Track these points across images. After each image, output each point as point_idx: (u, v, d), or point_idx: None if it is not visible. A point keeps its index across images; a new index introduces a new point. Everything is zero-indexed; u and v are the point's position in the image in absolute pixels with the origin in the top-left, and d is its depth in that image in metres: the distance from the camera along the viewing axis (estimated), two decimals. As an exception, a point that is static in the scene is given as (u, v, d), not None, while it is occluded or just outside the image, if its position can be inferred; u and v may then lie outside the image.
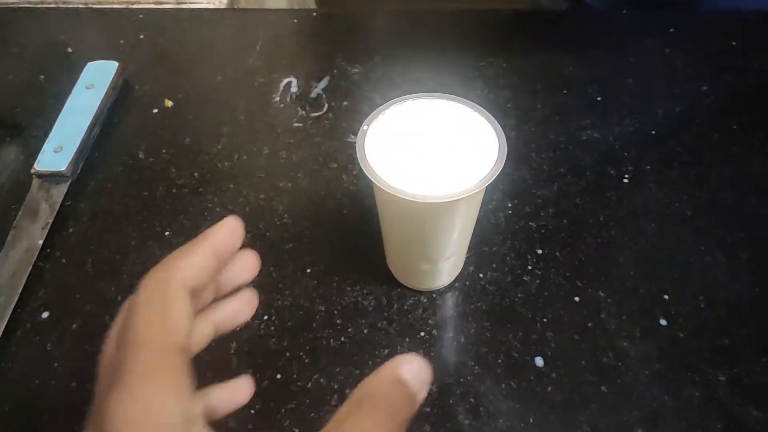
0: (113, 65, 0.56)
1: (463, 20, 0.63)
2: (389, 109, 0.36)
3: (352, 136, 0.52)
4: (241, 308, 0.28)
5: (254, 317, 0.41)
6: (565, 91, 0.55)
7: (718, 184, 0.48)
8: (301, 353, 0.40)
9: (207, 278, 0.24)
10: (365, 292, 0.42)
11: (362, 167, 0.33)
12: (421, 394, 0.22)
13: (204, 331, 0.26)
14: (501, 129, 0.34)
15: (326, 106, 0.55)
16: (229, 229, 0.26)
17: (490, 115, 0.35)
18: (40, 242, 0.46)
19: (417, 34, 0.62)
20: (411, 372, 0.22)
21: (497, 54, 0.59)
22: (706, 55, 0.58)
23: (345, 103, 0.55)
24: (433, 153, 0.34)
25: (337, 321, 0.41)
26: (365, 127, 0.35)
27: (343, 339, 0.40)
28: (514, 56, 0.59)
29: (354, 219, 0.47)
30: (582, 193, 0.48)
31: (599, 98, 0.54)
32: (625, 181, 0.48)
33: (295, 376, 0.39)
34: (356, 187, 0.49)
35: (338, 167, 0.50)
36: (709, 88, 0.55)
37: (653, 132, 0.52)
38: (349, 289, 0.43)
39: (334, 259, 0.44)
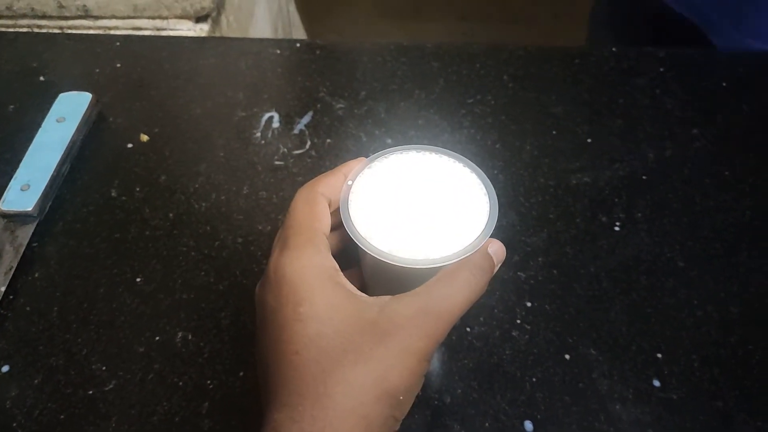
0: (86, 97, 0.54)
1: (451, 55, 0.62)
2: (375, 162, 0.34)
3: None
4: None
5: (228, 374, 0.39)
6: (554, 132, 0.54)
7: (710, 233, 0.47)
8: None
9: (338, 195, 0.33)
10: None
11: (345, 226, 0.31)
12: (498, 265, 0.32)
13: (332, 238, 0.33)
14: (492, 188, 0.33)
15: (309, 143, 0.53)
16: (356, 162, 0.34)
17: (481, 172, 0.34)
18: (3, 288, 0.43)
19: (404, 68, 0.60)
20: (495, 251, 0.31)
21: (485, 91, 0.58)
22: (697, 97, 0.57)
23: (328, 140, 0.53)
24: (421, 210, 0.32)
25: (317, 379, 0.39)
26: (350, 182, 0.33)
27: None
28: (502, 94, 0.57)
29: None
30: (572, 241, 0.46)
31: (589, 140, 0.53)
32: (617, 229, 0.47)
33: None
34: (339, 232, 0.47)
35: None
36: (699, 131, 0.54)
37: (644, 177, 0.50)
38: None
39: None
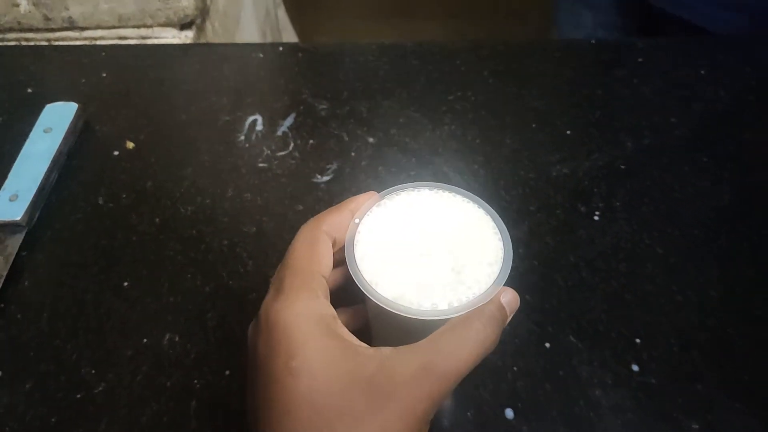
0: (72, 107, 0.55)
1: (432, 53, 0.62)
2: (385, 200, 0.33)
3: (318, 176, 0.51)
4: None
5: (214, 374, 0.40)
6: (534, 125, 0.55)
7: (689, 219, 0.47)
8: (264, 412, 0.38)
9: (344, 233, 0.32)
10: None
11: (349, 268, 0.30)
12: (510, 316, 0.30)
13: (336, 275, 0.33)
14: (507, 232, 0.31)
15: (292, 144, 0.54)
16: (367, 198, 0.33)
17: (496, 214, 0.32)
18: (-6, 297, 0.44)
19: (385, 67, 0.61)
20: (508, 301, 0.29)
21: (465, 88, 0.58)
22: (675, 85, 0.58)
23: (311, 141, 0.54)
24: (431, 254, 0.31)
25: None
26: (357, 221, 0.32)
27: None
28: (482, 89, 0.58)
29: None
30: (552, 232, 0.47)
31: (568, 132, 0.54)
32: (596, 218, 0.48)
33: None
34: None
35: (304, 209, 0.49)
36: (677, 119, 0.54)
37: (622, 166, 0.51)
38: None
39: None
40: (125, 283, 0.45)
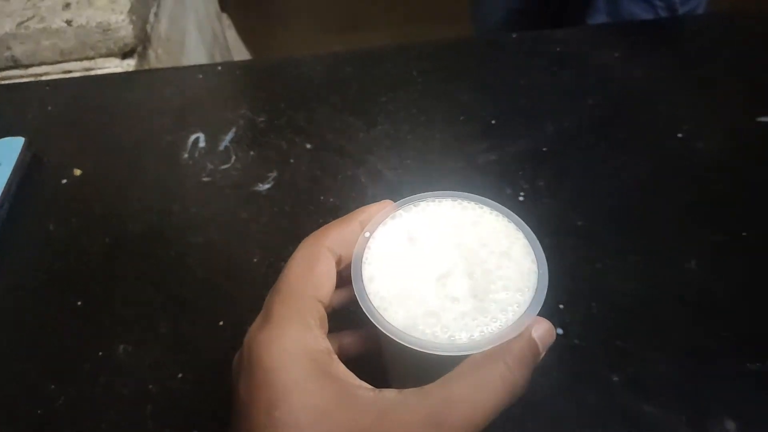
0: (20, 141, 0.57)
1: (363, 59, 0.65)
2: (400, 211, 0.29)
3: (260, 185, 0.54)
4: None
5: (168, 378, 0.42)
6: (461, 118, 0.58)
7: (609, 192, 0.51)
8: (217, 409, 0.40)
9: (351, 249, 0.28)
10: (277, 338, 0.44)
11: (355, 290, 0.27)
12: (543, 353, 0.25)
13: (342, 294, 0.29)
14: (542, 251, 0.27)
15: (234, 157, 0.56)
16: (380, 208, 0.29)
17: (529, 230, 0.29)
18: (-48, 328, 0.46)
19: (319, 77, 0.64)
20: (541, 335, 0.25)
21: (396, 88, 0.61)
22: (591, 70, 0.61)
23: (252, 152, 0.57)
24: (451, 276, 0.27)
25: (251, 370, 0.42)
26: (367, 235, 0.28)
27: (257, 387, 0.41)
28: (412, 89, 0.61)
29: (264, 267, 0.48)
30: (481, 215, 0.50)
31: (493, 122, 0.57)
32: (521, 199, 0.51)
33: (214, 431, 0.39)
34: (266, 236, 0.50)
35: (247, 217, 0.51)
36: (595, 101, 0.58)
37: (545, 149, 0.54)
38: (261, 337, 0.44)
39: (248, 309, 0.45)
40: (79, 302, 0.47)
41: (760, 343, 0.41)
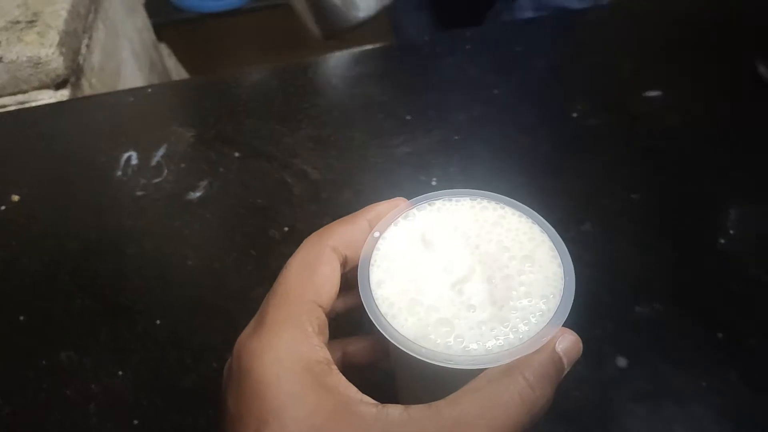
0: (-45, 173, 0.59)
1: (288, 72, 0.69)
2: (414, 211, 0.28)
3: (192, 193, 0.57)
4: None
5: (109, 376, 0.45)
6: (379, 116, 0.62)
7: (515, 170, 0.55)
8: (158, 400, 0.43)
9: (358, 250, 0.26)
10: (214, 329, 0.46)
11: (361, 294, 0.25)
12: (568, 368, 0.23)
13: (347, 299, 0.27)
14: (568, 255, 0.26)
15: (166, 171, 0.59)
16: (391, 207, 0.27)
17: (555, 232, 0.27)
18: None
19: (246, 91, 0.67)
20: (566, 348, 0.23)
21: (318, 95, 0.65)
22: (497, 64, 0.66)
23: (183, 165, 0.60)
24: (468, 281, 0.25)
25: (188, 362, 0.45)
26: (376, 234, 0.26)
27: (195, 378, 0.44)
28: (332, 94, 0.65)
29: (198, 269, 0.51)
30: (398, 202, 0.54)
31: (408, 117, 0.61)
32: (434, 184, 0.55)
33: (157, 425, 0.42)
34: (199, 240, 0.53)
35: (180, 224, 0.54)
36: (500, 91, 0.63)
37: (456, 137, 0.59)
38: (200, 332, 0.47)
39: (185, 308, 0.48)
40: (21, 317, 0.49)
41: (646, 291, 0.45)
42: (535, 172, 0.55)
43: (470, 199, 0.28)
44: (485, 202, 0.28)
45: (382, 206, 0.27)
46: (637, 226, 0.50)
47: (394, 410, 0.21)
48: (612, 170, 0.54)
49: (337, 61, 0.69)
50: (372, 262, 0.25)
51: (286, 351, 0.22)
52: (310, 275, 0.24)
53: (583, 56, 0.66)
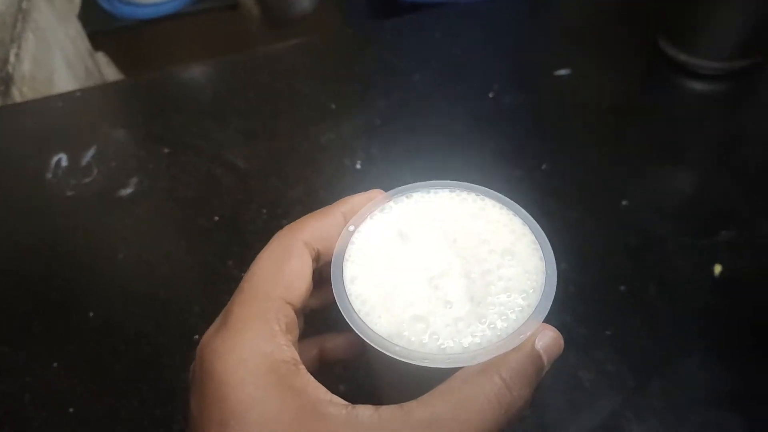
0: None
1: (215, 69, 0.71)
2: (391, 203, 0.27)
3: (122, 191, 0.58)
4: None
5: (43, 368, 0.46)
6: (305, 107, 0.64)
7: (433, 148, 0.58)
8: (93, 387, 0.44)
9: (332, 245, 0.25)
10: (146, 316, 0.48)
11: (334, 290, 0.24)
12: (548, 367, 0.22)
13: (321, 295, 0.26)
14: (550, 248, 0.25)
15: (96, 170, 0.60)
16: (367, 199, 0.26)
17: (536, 224, 0.26)
18: None
19: (174, 89, 0.69)
20: (545, 345, 0.21)
21: (246, 91, 0.67)
22: (416, 50, 0.69)
23: (113, 164, 0.61)
24: (446, 276, 0.24)
25: (122, 348, 0.46)
26: (351, 228, 0.25)
27: (128, 362, 0.45)
28: (260, 90, 0.67)
29: (130, 262, 0.52)
30: (324, 186, 0.56)
31: (333, 106, 0.64)
32: (358, 167, 0.57)
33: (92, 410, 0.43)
34: (130, 234, 0.54)
35: (111, 221, 0.55)
36: (419, 77, 0.66)
37: (378, 122, 0.61)
38: (132, 319, 0.48)
39: (118, 300, 0.50)
40: (-48, 320, 0.50)
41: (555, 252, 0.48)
42: (452, 151, 0.58)
43: (449, 191, 0.27)
44: (464, 194, 0.27)
45: (357, 198, 0.26)
46: (546, 193, 0.53)
47: (365, 411, 0.20)
48: (524, 144, 0.57)
49: (265, 57, 0.71)
50: (346, 257, 0.24)
51: (250, 351, 0.21)
52: (278, 271, 0.23)
53: (497, 40, 0.69)
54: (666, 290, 0.46)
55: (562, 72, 0.64)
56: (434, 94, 0.64)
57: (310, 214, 0.26)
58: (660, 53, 0.64)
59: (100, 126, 0.65)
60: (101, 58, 1.36)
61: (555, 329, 0.22)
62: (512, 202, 0.27)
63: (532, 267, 0.24)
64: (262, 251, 0.24)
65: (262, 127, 0.62)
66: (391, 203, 0.27)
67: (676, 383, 0.41)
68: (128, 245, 0.53)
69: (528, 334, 0.21)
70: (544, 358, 0.21)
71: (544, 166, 0.55)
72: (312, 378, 0.21)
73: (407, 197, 0.27)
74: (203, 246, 0.52)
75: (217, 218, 0.54)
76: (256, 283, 0.23)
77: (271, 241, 0.25)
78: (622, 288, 0.46)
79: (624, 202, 0.52)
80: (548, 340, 0.22)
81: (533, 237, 0.25)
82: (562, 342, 0.22)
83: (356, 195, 0.26)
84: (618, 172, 0.55)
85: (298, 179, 0.57)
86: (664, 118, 0.60)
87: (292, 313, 0.23)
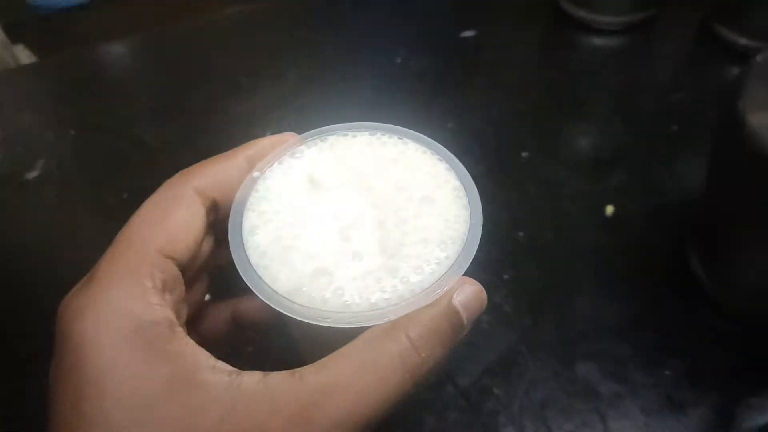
0: None
1: (120, 48, 0.70)
2: (303, 147, 0.24)
3: (28, 174, 0.57)
4: None
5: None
6: (216, 82, 0.64)
7: (340, 114, 0.58)
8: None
9: (233, 193, 0.21)
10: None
11: (230, 242, 0.21)
12: (469, 325, 0.20)
13: (228, 253, 0.21)
14: (476, 194, 0.22)
15: (1, 155, 0.59)
16: (277, 143, 0.23)
17: (462, 167, 0.24)
18: None
19: (80, 71, 0.68)
20: (464, 301, 0.19)
21: (156, 67, 0.66)
22: (326, 24, 0.70)
23: (18, 147, 0.59)
24: (360, 225, 0.22)
25: (29, 330, 0.46)
26: (256, 174, 0.23)
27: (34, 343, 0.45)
28: (171, 66, 0.66)
29: (37, 243, 0.51)
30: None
31: (244, 80, 0.64)
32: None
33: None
34: (39, 215, 0.53)
35: (17, 204, 0.54)
36: (330, 48, 0.67)
37: (288, 94, 0.62)
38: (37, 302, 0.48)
39: (20, 283, 0.49)
40: None
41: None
42: (362, 118, 0.58)
43: (369, 134, 0.24)
44: (386, 137, 0.24)
45: (265, 141, 0.23)
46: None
47: (250, 378, 0.17)
48: (429, 105, 0.59)
49: (174, 34, 0.71)
50: (248, 206, 0.22)
51: (112, 310, 0.18)
52: (160, 221, 0.20)
53: (404, 8, 0.70)
54: (561, 233, 0.48)
55: (468, 34, 0.65)
56: (344, 62, 0.64)
57: (209, 158, 0.23)
58: (560, 11, 0.66)
59: (6, 110, 0.64)
60: (22, 51, 1.31)
61: (477, 282, 0.20)
62: (440, 146, 0.24)
63: (452, 216, 0.21)
64: (146, 200, 0.21)
65: (172, 103, 0.62)
66: (303, 147, 0.24)
67: (567, 318, 0.43)
68: (35, 227, 0.52)
69: (445, 288, 0.19)
70: (464, 315, 0.19)
71: (450, 125, 0.56)
72: (191, 342, 0.18)
73: (322, 140, 0.24)
74: (112, 224, 0.52)
75: (126, 195, 0.54)
76: (130, 234, 0.20)
77: (158, 188, 0.22)
78: (521, 234, 0.48)
79: (524, 154, 0.54)
80: (468, 294, 0.19)
81: (458, 183, 0.23)
82: (484, 296, 0.20)
83: (264, 138, 0.23)
84: (519, 127, 0.57)
85: (209, 152, 0.56)
86: (563, 73, 0.62)
87: (174, 269, 0.20)
